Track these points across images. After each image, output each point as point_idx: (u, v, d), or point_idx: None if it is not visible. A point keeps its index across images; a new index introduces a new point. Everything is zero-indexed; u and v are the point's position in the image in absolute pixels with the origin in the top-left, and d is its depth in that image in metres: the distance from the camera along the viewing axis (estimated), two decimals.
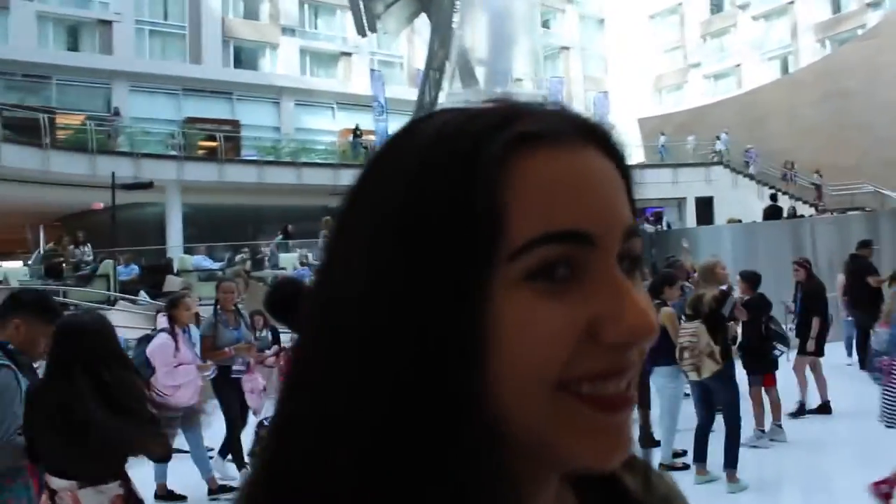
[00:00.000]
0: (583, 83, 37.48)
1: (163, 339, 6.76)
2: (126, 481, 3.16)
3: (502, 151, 0.52)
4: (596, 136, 0.57)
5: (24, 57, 25.70)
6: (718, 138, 30.09)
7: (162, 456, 3.37)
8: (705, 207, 29.36)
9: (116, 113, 25.49)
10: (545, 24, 39.83)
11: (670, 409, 6.94)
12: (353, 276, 0.54)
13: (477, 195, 0.51)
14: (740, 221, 21.46)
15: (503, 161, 0.52)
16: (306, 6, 34.67)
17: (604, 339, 0.52)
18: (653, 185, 28.67)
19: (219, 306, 7.45)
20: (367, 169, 0.57)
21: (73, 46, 29.75)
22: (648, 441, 7.41)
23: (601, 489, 0.66)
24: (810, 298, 9.04)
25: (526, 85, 35.46)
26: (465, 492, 0.51)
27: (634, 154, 33.92)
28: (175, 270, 18.96)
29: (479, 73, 23.27)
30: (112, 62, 28.13)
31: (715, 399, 6.47)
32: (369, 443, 0.51)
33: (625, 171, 0.59)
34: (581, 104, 34.91)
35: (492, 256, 0.51)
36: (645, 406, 7.49)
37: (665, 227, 22.24)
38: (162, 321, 7.48)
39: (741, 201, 27.37)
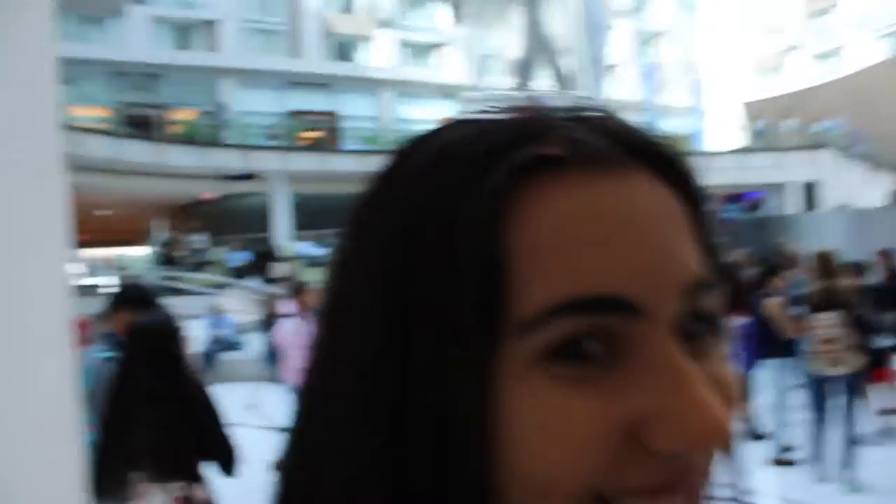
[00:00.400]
0: (677, 68, 36.73)
1: (294, 323, 6.83)
2: (190, 485, 3.08)
3: (508, 183, 0.40)
4: (650, 156, 0.44)
5: (139, 58, 27.06)
6: (823, 122, 29.10)
7: (227, 464, 3.16)
8: (809, 193, 28.46)
9: (223, 107, 26.58)
10: (638, 10, 39.32)
11: (781, 403, 6.75)
12: (339, 342, 0.45)
13: (470, 246, 0.39)
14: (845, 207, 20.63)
15: (509, 196, 0.40)
16: None
17: (653, 444, 0.39)
18: (753, 171, 28.02)
19: None
20: (361, 202, 0.47)
21: (183, 46, 31.10)
22: (751, 435, 7.30)
23: None
24: None
25: (618, 73, 35.18)
26: None
27: (738, 139, 33.25)
28: (280, 257, 19.77)
29: (573, 61, 23.23)
30: (218, 59, 29.29)
31: (837, 395, 6.12)
32: None
33: (693, 202, 0.45)
34: (676, 90, 34.37)
35: (492, 331, 0.39)
36: (746, 398, 7.30)
37: (764, 214, 21.59)
38: (285, 307, 7.51)
39: (848, 186, 26.43)
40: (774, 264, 7.41)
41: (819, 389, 6.24)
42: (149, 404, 2.99)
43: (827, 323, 6.03)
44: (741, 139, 32.79)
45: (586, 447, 0.39)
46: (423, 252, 0.40)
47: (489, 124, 0.44)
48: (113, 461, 2.97)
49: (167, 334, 3.18)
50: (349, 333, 0.43)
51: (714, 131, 33.80)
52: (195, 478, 3.12)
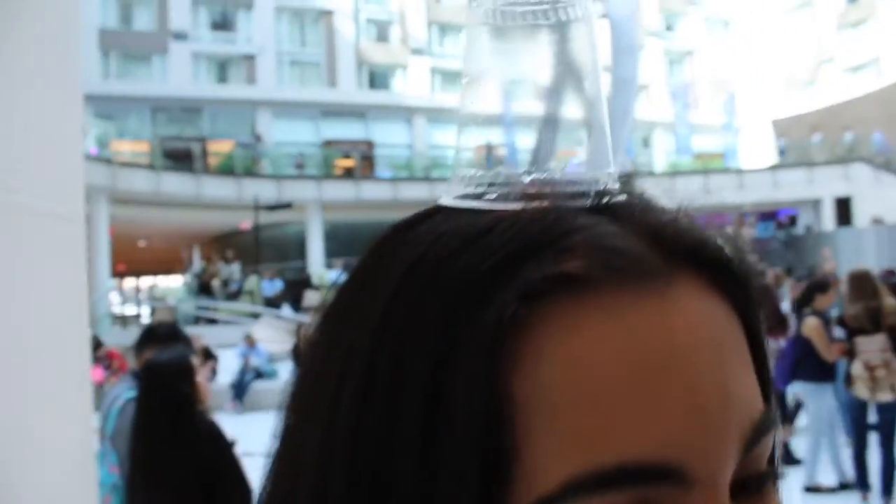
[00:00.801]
0: (709, 86, 36.61)
1: None
2: None
3: (517, 312, 0.31)
4: (699, 259, 0.35)
5: (180, 93, 27.93)
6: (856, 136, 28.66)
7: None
8: (844, 208, 28.02)
9: (258, 138, 27.21)
10: (669, 28, 39.24)
11: (818, 429, 6.42)
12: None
13: (462, 401, 0.31)
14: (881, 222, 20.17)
15: (516, 330, 0.31)
16: (434, 27, 35.72)
17: None
18: (786, 187, 27.70)
19: None
20: (326, 309, 0.39)
21: (222, 79, 31.98)
22: (788, 459, 7.04)
23: None
24: None
25: (650, 92, 35.09)
26: None
27: (769, 157, 32.93)
28: (314, 285, 20.12)
29: (604, 80, 23.33)
30: (256, 92, 30.05)
31: (883, 420, 5.88)
32: None
33: (745, 309, 0.37)
34: (708, 108, 34.22)
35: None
36: (785, 421, 7.20)
37: (798, 231, 21.28)
38: None
39: (884, 200, 25.99)
40: (821, 282, 7.03)
41: (860, 415, 6.05)
42: (161, 449, 2.91)
43: (870, 347, 5.76)
44: (774, 156, 32.44)
45: None
46: (394, 398, 0.32)
47: (492, 221, 0.34)
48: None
49: (177, 374, 3.05)
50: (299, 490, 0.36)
51: (747, 148, 33.56)
52: None
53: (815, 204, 28.30)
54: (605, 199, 0.36)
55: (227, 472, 3.04)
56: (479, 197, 0.37)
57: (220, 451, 3.06)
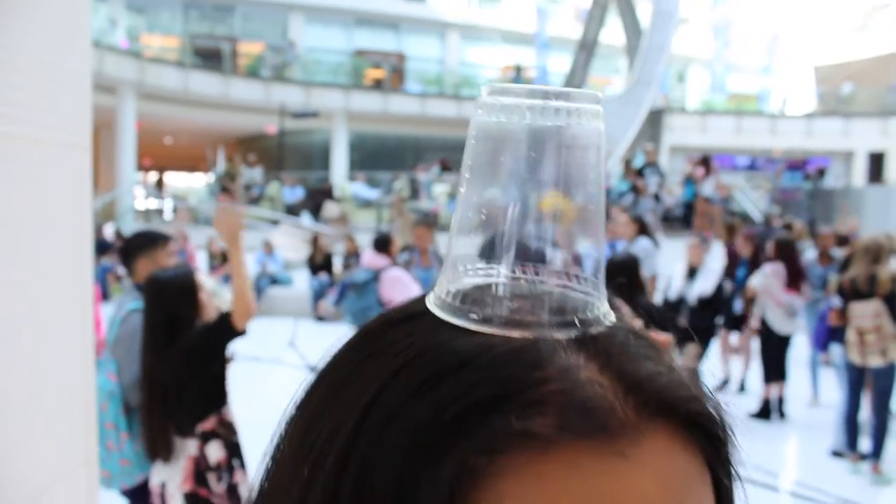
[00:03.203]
0: (753, 25, 35.50)
1: (398, 273, 6.50)
2: (204, 441, 3.12)
3: (476, 466, 0.32)
4: (675, 416, 0.35)
5: None
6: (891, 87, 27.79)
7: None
8: (877, 163, 27.45)
9: (292, 44, 26.84)
10: None
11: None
12: None
13: None
14: None
15: (476, 482, 0.32)
16: None
17: None
18: (820, 136, 27.13)
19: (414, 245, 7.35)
20: (294, 415, 0.41)
21: None
22: (779, 414, 7.49)
23: None
24: None
25: (690, 27, 34.12)
26: None
27: (808, 103, 32.16)
28: (335, 197, 20.12)
29: (645, 11, 22.69)
30: None
31: (875, 385, 6.03)
32: None
33: (719, 467, 0.38)
34: (748, 47, 33.28)
35: None
36: (781, 378, 7.48)
37: (827, 185, 20.85)
38: (368, 257, 7.10)
39: None
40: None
41: (856, 379, 6.15)
42: (159, 362, 3.07)
43: (864, 312, 5.89)
44: (812, 103, 31.67)
45: None
46: None
47: (470, 353, 0.34)
48: (150, 418, 3.09)
49: (180, 292, 3.14)
50: None
51: (785, 93, 32.74)
52: (208, 438, 3.15)
53: (848, 157, 27.76)
54: (590, 330, 0.36)
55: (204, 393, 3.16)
56: (464, 314, 0.37)
57: (204, 373, 3.15)
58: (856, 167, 27.55)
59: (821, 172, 21.25)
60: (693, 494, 0.34)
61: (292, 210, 18.84)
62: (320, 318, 12.61)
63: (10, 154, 1.10)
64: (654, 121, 21.38)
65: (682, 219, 17.08)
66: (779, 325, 7.45)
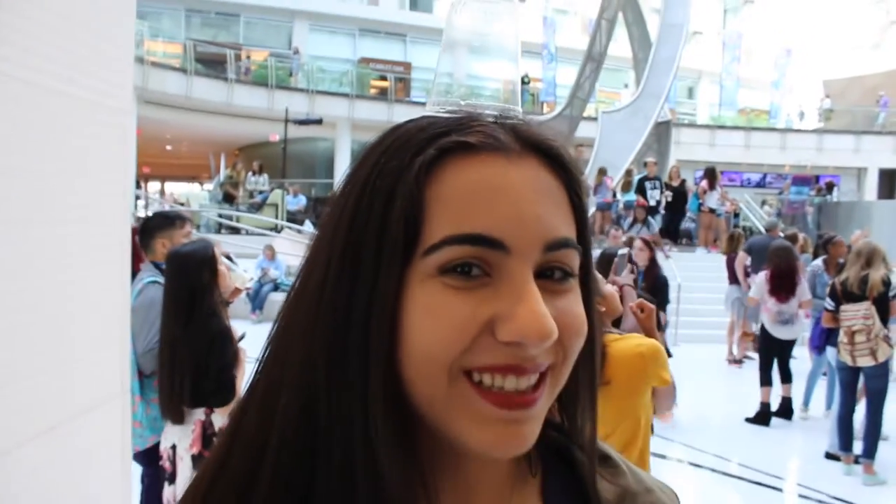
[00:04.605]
0: (764, 39, 35.28)
1: None
2: (212, 411, 3.36)
3: (431, 159, 0.57)
4: (541, 150, 0.61)
5: None
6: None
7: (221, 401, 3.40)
8: (889, 180, 27.22)
9: (296, 52, 26.75)
10: None
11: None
12: (317, 259, 0.62)
13: (405, 198, 0.56)
14: None
15: (430, 168, 0.57)
16: None
17: (499, 336, 0.55)
18: (830, 152, 26.89)
19: None
20: (351, 164, 0.64)
21: None
22: (787, 413, 7.86)
23: (567, 479, 0.70)
24: None
25: (702, 40, 33.96)
26: (377, 451, 0.57)
27: (820, 118, 31.91)
28: None
29: (653, 24, 22.49)
30: (295, 2, 29.37)
31: (867, 387, 6.25)
32: (309, 395, 0.59)
33: (569, 184, 0.62)
34: (759, 62, 33.10)
35: (412, 250, 0.56)
36: (786, 380, 7.84)
37: (833, 199, 20.73)
38: None
39: None
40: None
41: (850, 380, 6.33)
42: (180, 330, 3.27)
43: (854, 314, 6.11)
44: (822, 119, 31.43)
45: (456, 331, 0.55)
46: (374, 199, 0.57)
47: (439, 119, 0.61)
48: (170, 385, 3.31)
49: (201, 263, 3.35)
50: (318, 260, 0.61)
51: (796, 108, 32.47)
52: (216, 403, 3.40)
53: (861, 173, 27.52)
54: (502, 118, 0.63)
55: (216, 366, 3.33)
56: (441, 110, 0.65)
57: (217, 346, 3.33)
58: (867, 183, 27.31)
59: (829, 187, 21.06)
60: (552, 196, 0.60)
61: (295, 218, 18.74)
62: None
63: (63, 112, 1.24)
64: (662, 134, 21.14)
65: (686, 231, 16.87)
66: (774, 330, 7.72)
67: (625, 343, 2.61)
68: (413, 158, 0.58)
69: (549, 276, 0.59)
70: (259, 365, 0.65)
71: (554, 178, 0.61)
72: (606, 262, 3.74)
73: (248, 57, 26.12)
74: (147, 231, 4.01)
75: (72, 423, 1.30)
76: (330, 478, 0.58)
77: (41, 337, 1.18)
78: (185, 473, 3.33)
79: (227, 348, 3.36)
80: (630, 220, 14.84)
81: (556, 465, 0.71)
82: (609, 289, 2.95)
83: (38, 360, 1.18)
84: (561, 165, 0.62)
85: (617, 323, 3.00)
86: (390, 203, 0.57)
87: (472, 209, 0.56)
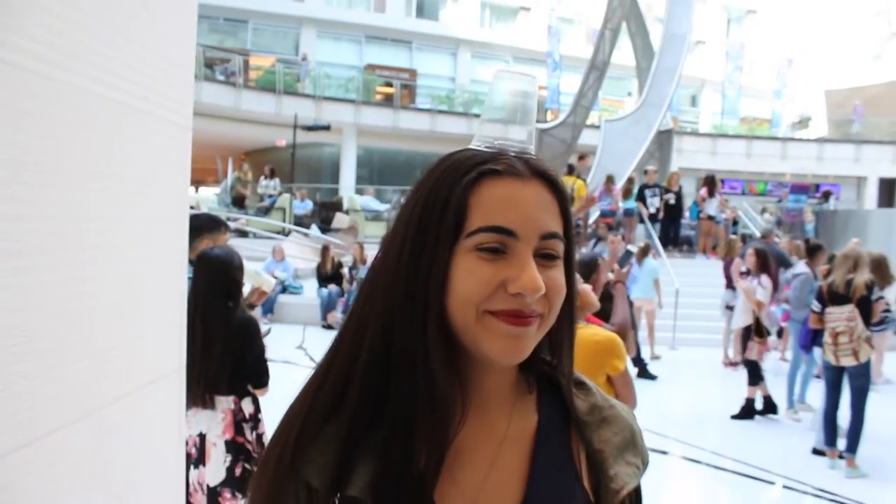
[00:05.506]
0: (767, 49, 35.57)
1: None
2: (240, 400, 3.64)
3: (474, 179, 0.87)
4: (543, 175, 0.91)
5: (226, 2, 27.63)
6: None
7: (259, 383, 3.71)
8: (888, 189, 27.44)
9: (304, 58, 27.04)
10: None
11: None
12: (394, 237, 0.92)
13: (455, 202, 0.87)
14: None
15: (473, 184, 0.87)
16: None
17: (508, 289, 0.85)
18: (830, 161, 27.11)
19: None
20: (421, 176, 0.94)
21: None
22: (769, 408, 8.28)
23: (554, 398, 1.01)
24: None
25: (705, 49, 34.20)
26: (432, 366, 0.87)
27: (819, 127, 32.19)
28: (345, 209, 20.24)
29: (656, 35, 22.81)
30: (302, 9, 29.71)
31: (851, 385, 6.50)
32: (388, 326, 0.90)
33: (558, 197, 0.92)
34: (761, 71, 33.37)
35: (459, 234, 0.87)
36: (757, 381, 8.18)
37: (830, 207, 20.99)
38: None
39: None
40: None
41: (835, 379, 6.61)
42: (213, 324, 3.52)
43: (839, 316, 6.44)
44: (824, 128, 31.68)
45: (483, 285, 0.86)
46: (435, 203, 0.89)
47: (478, 152, 0.92)
48: (205, 373, 3.52)
49: (230, 264, 3.66)
50: (395, 237, 0.92)
51: (797, 118, 32.77)
52: (243, 394, 3.68)
53: (860, 182, 27.74)
54: (520, 153, 0.93)
55: (257, 357, 3.67)
56: (482, 145, 0.95)
57: (251, 337, 3.67)
58: (867, 192, 27.55)
59: (826, 195, 21.33)
60: (548, 205, 0.90)
61: (302, 222, 18.97)
62: (329, 327, 12.68)
63: (123, 122, 1.35)
64: (663, 143, 21.42)
65: (686, 238, 17.14)
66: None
67: (583, 332, 2.98)
68: (462, 177, 0.88)
69: (543, 255, 0.88)
70: (351, 307, 0.96)
71: (550, 194, 0.90)
72: (584, 266, 4.12)
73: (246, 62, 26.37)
74: (194, 230, 4.10)
75: (142, 391, 1.48)
76: (400, 382, 0.89)
77: (113, 317, 1.34)
78: (220, 458, 3.60)
79: (260, 338, 3.71)
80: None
81: (546, 386, 1.02)
82: (583, 286, 3.30)
83: (111, 336, 1.34)
84: (555, 187, 0.91)
85: (606, 317, 3.35)
86: (447, 204, 0.87)
87: (497, 210, 0.86)
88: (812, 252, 9.04)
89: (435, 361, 0.88)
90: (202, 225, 4.20)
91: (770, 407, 8.26)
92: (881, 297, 6.54)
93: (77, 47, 1.17)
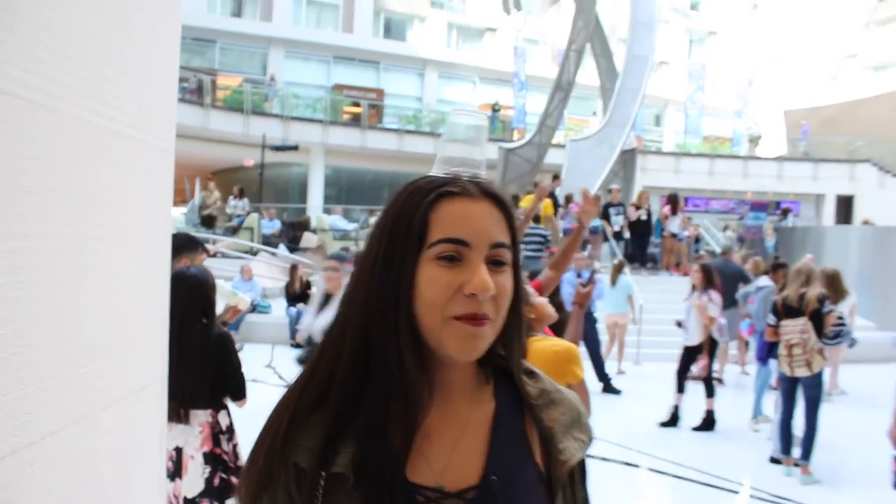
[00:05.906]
0: (728, 69, 36.31)
1: None
2: (216, 412, 3.80)
3: (433, 199, 1.02)
4: (492, 195, 1.06)
5: (194, 22, 27.58)
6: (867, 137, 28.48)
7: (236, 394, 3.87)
8: (845, 206, 28.11)
9: (272, 78, 27.07)
10: (693, 7, 38.87)
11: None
12: (368, 252, 1.07)
13: (418, 219, 1.01)
14: (869, 223, 20.34)
15: (433, 204, 1.02)
16: None
17: (464, 291, 1.00)
18: (790, 179, 27.70)
19: None
20: (390, 199, 1.08)
21: (237, 13, 31.62)
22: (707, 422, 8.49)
23: (509, 387, 1.15)
24: None
25: (668, 70, 34.80)
26: (403, 361, 1.01)
27: (777, 147, 32.89)
28: (313, 228, 20.25)
29: (620, 56, 23.20)
30: (270, 29, 29.80)
31: (804, 395, 6.73)
32: (365, 327, 1.04)
33: (505, 213, 1.06)
34: (723, 91, 34.05)
35: (422, 246, 1.01)
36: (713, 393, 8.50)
37: (789, 224, 21.46)
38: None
39: (887, 202, 26.10)
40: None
41: (790, 389, 6.84)
42: (185, 346, 3.58)
43: (793, 329, 6.66)
44: (783, 147, 32.38)
45: (443, 289, 1.00)
46: (401, 221, 1.03)
47: (437, 178, 1.06)
48: (181, 388, 3.56)
49: (204, 283, 3.80)
50: (369, 252, 1.06)
51: (758, 137, 33.47)
52: (219, 408, 3.82)
53: (819, 199, 28.36)
54: (473, 176, 1.08)
55: (234, 370, 3.81)
56: (440, 172, 1.10)
57: (228, 352, 3.82)
58: (825, 209, 28.16)
59: (784, 213, 21.78)
60: (496, 220, 1.05)
61: (270, 241, 18.95)
62: (297, 346, 12.65)
63: (113, 148, 1.44)
64: (627, 162, 21.74)
65: (652, 256, 17.39)
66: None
67: (543, 343, 3.17)
68: (423, 199, 1.03)
69: (494, 262, 1.02)
70: (336, 314, 1.10)
71: (498, 211, 1.05)
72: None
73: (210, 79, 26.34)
74: (174, 249, 4.19)
75: (124, 401, 1.56)
76: (377, 378, 1.04)
77: (103, 328, 1.43)
78: (198, 470, 3.71)
79: (236, 352, 3.89)
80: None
81: (501, 377, 1.16)
82: (539, 299, 3.44)
83: (102, 346, 1.42)
84: (502, 205, 1.06)
85: (558, 329, 3.52)
86: (411, 222, 1.02)
87: (453, 225, 1.01)
88: (775, 269, 9.35)
89: (406, 356, 1.02)
90: (182, 244, 4.28)
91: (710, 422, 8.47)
92: (832, 311, 6.78)
93: (72, 79, 1.26)
